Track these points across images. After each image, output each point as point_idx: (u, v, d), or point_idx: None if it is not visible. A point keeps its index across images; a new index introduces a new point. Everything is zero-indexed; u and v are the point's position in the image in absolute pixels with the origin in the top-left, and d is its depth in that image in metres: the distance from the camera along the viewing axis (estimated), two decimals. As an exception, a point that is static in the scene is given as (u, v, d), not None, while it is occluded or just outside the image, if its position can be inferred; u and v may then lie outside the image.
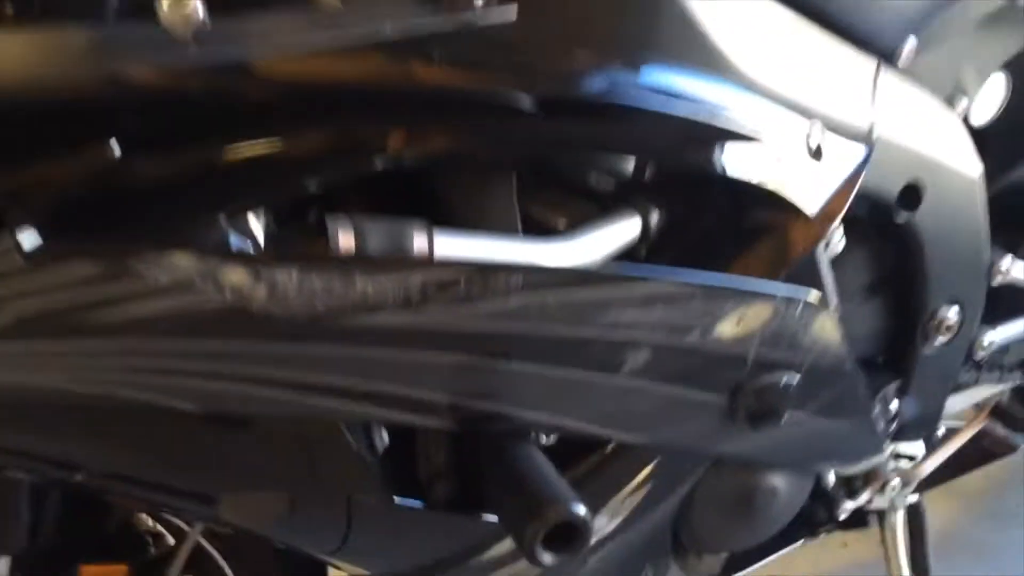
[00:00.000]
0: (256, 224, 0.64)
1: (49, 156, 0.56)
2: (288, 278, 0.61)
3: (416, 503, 0.81)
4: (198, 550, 0.98)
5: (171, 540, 1.02)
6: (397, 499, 0.78)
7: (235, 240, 0.62)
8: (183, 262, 0.58)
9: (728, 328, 0.79)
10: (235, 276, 0.59)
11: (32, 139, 0.57)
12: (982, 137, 1.07)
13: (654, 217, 0.84)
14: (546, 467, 0.77)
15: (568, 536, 0.73)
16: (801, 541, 1.25)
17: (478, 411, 0.74)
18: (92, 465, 0.71)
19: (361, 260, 0.63)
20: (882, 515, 1.29)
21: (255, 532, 0.81)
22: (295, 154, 0.63)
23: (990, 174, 1.08)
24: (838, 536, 1.87)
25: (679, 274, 0.75)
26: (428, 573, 0.88)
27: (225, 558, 1.01)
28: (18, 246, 0.54)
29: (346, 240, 0.66)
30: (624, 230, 0.83)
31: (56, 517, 0.86)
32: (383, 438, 0.77)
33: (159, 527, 1.00)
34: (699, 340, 0.79)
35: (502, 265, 0.68)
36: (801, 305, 0.82)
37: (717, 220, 0.86)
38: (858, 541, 1.86)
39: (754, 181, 0.79)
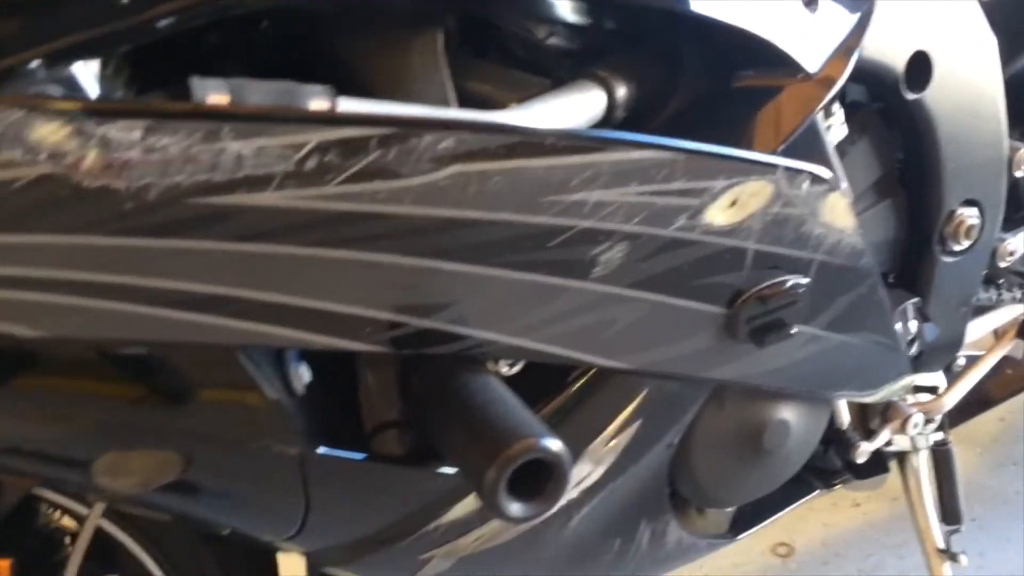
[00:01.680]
0: (88, 79, 0.48)
1: None
2: (130, 138, 0.45)
3: (355, 455, 0.65)
4: (108, 540, 0.82)
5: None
6: (323, 449, 0.62)
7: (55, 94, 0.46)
8: (-29, 112, 0.42)
9: (721, 212, 0.64)
10: (51, 133, 0.43)
11: None
12: (989, 11, 0.93)
13: (620, 91, 0.69)
14: (509, 398, 0.62)
15: (541, 480, 0.58)
16: (815, 493, 1.09)
17: (414, 330, 0.58)
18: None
19: (234, 114, 0.47)
20: (902, 459, 1.15)
21: (190, 516, 0.65)
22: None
23: (1001, 55, 0.94)
24: (849, 496, 1.74)
25: (659, 140, 0.60)
26: (379, 545, 0.72)
27: (146, 548, 0.85)
28: None
29: (217, 102, 0.51)
30: (585, 105, 0.67)
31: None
32: (301, 374, 0.62)
33: (57, 518, 0.84)
34: (687, 228, 0.63)
35: (430, 120, 0.52)
36: (807, 180, 0.67)
37: (697, 90, 0.71)
38: (871, 500, 1.73)
39: (740, 25, 0.64)
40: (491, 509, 0.57)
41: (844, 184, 0.71)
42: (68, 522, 0.87)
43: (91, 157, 0.44)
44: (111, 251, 0.47)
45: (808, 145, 0.71)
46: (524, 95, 0.67)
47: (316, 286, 0.54)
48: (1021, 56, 1.06)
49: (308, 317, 0.54)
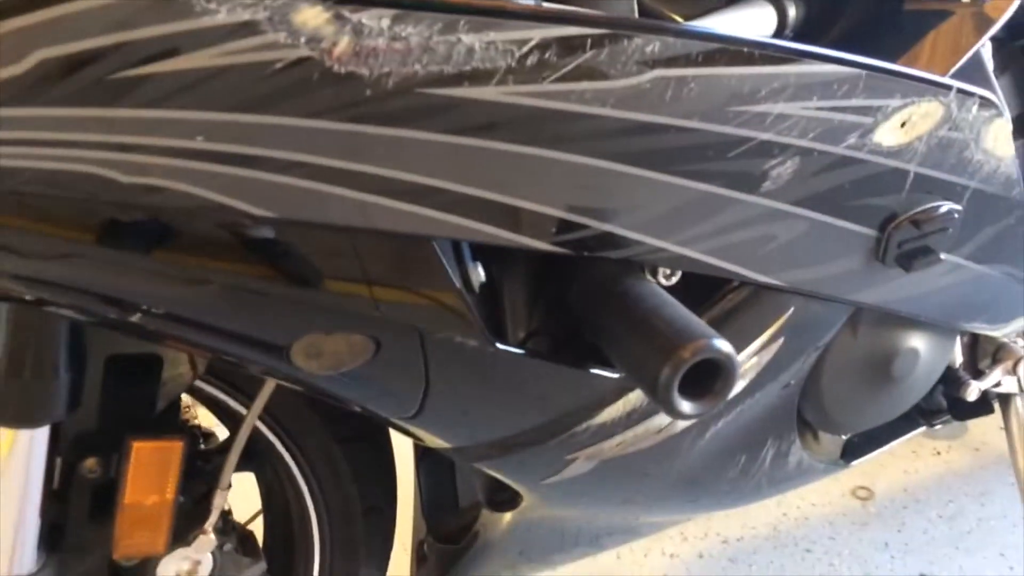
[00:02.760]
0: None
1: None
2: (379, 25, 0.47)
3: (517, 351, 0.68)
4: (255, 439, 0.86)
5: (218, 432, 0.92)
6: (500, 345, 0.65)
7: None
8: (246, -7, 0.44)
9: (891, 132, 0.65)
10: (313, 17, 0.46)
11: None
12: None
13: (791, 10, 0.70)
14: (675, 303, 0.64)
15: (707, 381, 0.60)
16: (919, 430, 1.11)
17: (594, 233, 0.61)
18: (153, 303, 0.58)
19: (473, 8, 0.49)
20: (1006, 400, 1.16)
21: (326, 392, 0.68)
22: None
23: None
24: (930, 444, 1.76)
25: (844, 55, 0.61)
26: (527, 444, 0.75)
27: (287, 446, 0.90)
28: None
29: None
30: (758, 23, 0.69)
31: (99, 388, 0.74)
32: (479, 273, 0.64)
33: (193, 415, 0.88)
34: (856, 146, 0.65)
35: (640, 24, 0.54)
36: (976, 104, 0.67)
37: (865, 11, 0.71)
38: (952, 449, 1.74)
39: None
40: (663, 406, 0.60)
41: (1007, 112, 0.72)
42: (204, 420, 0.92)
43: (344, 43, 0.47)
44: (345, 137, 0.50)
45: (974, 72, 0.71)
46: (697, 11, 0.69)
47: (517, 183, 0.56)
48: None
49: (504, 214, 0.57)
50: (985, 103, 0.68)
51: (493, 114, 0.52)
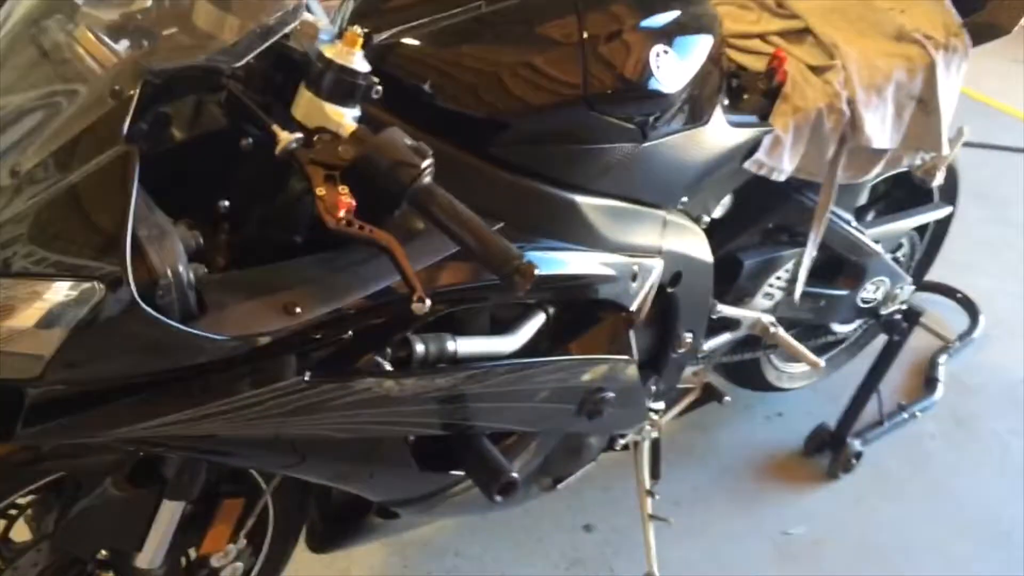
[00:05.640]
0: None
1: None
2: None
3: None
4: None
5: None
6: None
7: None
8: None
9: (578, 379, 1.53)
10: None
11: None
12: (718, 223, 1.86)
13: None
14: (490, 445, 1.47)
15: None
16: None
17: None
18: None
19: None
20: (636, 444, 2.10)
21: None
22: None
23: (720, 243, 1.86)
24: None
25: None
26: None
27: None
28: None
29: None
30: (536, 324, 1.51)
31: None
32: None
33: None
34: (564, 386, 1.51)
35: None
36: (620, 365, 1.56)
37: (575, 320, 1.56)
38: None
39: (602, 296, 1.51)
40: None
41: (636, 357, 1.60)
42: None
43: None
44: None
45: (625, 341, 1.59)
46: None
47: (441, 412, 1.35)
48: (728, 244, 1.98)
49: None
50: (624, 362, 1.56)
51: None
